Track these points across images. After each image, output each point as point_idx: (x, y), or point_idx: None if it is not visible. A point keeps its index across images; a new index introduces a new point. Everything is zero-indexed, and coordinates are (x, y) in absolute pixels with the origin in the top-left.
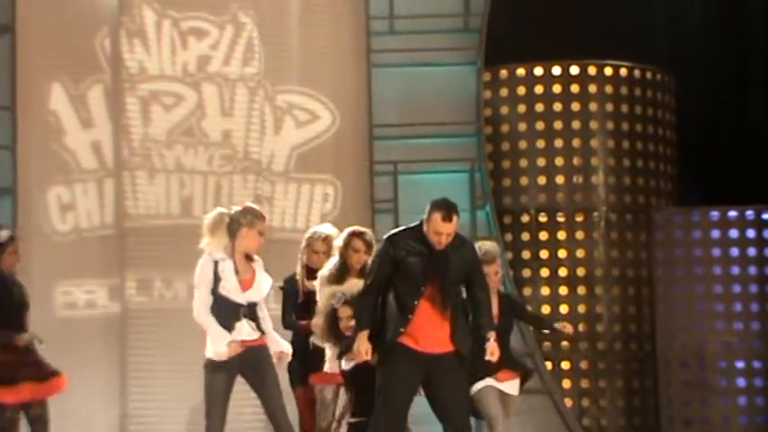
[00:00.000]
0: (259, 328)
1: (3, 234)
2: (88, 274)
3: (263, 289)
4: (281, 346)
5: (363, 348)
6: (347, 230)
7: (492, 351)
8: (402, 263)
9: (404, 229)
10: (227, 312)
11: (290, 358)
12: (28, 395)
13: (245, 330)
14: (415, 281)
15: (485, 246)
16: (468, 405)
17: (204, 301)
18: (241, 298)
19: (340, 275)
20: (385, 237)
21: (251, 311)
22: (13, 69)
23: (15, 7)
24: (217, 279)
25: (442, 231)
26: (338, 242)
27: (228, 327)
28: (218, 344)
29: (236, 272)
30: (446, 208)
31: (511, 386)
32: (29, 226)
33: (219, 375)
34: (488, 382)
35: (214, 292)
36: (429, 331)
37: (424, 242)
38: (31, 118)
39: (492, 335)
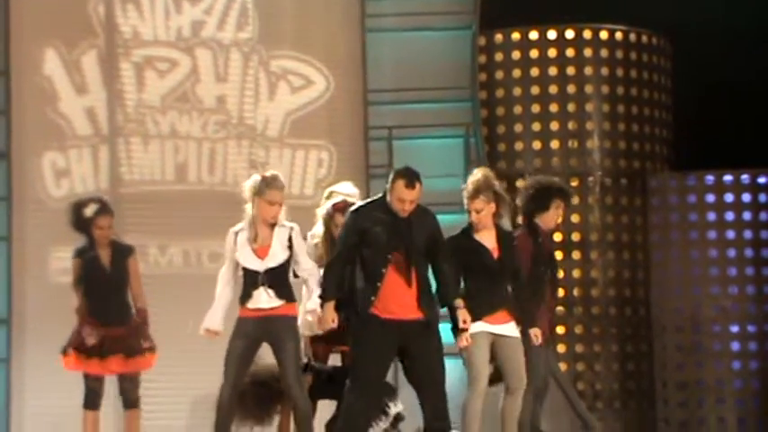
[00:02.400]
0: (280, 295)
1: (89, 210)
2: (83, 239)
3: (278, 256)
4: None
5: (329, 317)
6: (330, 202)
7: (464, 318)
8: (368, 233)
9: (368, 201)
10: (247, 280)
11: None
12: (114, 368)
13: (262, 298)
14: (382, 249)
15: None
16: (442, 374)
17: (224, 273)
18: (257, 265)
19: (328, 247)
20: (350, 210)
21: (272, 278)
22: (6, 35)
23: None
24: (236, 249)
25: (405, 198)
26: (322, 211)
27: (248, 294)
28: (205, 322)
29: (250, 240)
30: (409, 176)
31: (507, 329)
32: (23, 191)
33: (237, 341)
34: (479, 327)
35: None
36: (397, 298)
37: (387, 211)
38: (25, 83)
39: (460, 302)
